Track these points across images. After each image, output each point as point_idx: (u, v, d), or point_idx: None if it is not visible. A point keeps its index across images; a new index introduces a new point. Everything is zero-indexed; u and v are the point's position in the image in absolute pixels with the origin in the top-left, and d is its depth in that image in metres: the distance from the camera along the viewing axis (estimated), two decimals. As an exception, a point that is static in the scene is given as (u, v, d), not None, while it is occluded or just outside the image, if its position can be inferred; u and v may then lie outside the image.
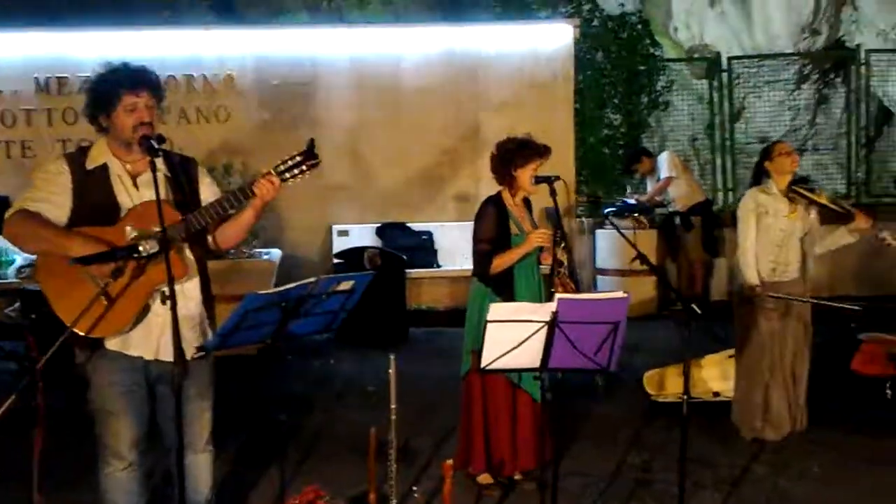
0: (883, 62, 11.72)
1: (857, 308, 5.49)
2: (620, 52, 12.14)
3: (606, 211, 9.54)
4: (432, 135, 9.81)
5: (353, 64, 9.77)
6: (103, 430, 3.50)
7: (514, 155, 4.73)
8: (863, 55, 11.43)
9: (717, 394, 6.06)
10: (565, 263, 4.51)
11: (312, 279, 3.30)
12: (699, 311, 3.93)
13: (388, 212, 9.72)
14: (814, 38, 13.08)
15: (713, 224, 9.92)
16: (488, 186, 5.12)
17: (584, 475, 4.99)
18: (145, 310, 3.38)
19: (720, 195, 11.34)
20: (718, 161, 11.48)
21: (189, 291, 3.49)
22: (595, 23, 12.12)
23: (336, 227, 9.63)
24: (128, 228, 3.33)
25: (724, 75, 11.49)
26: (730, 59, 11.59)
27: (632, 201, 10.01)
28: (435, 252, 9.65)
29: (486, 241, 4.67)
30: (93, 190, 3.39)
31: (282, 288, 3.21)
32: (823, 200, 5.63)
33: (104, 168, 3.42)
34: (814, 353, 5.68)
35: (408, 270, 8.87)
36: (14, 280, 7.90)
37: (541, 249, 4.64)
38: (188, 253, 3.50)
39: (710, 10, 13.05)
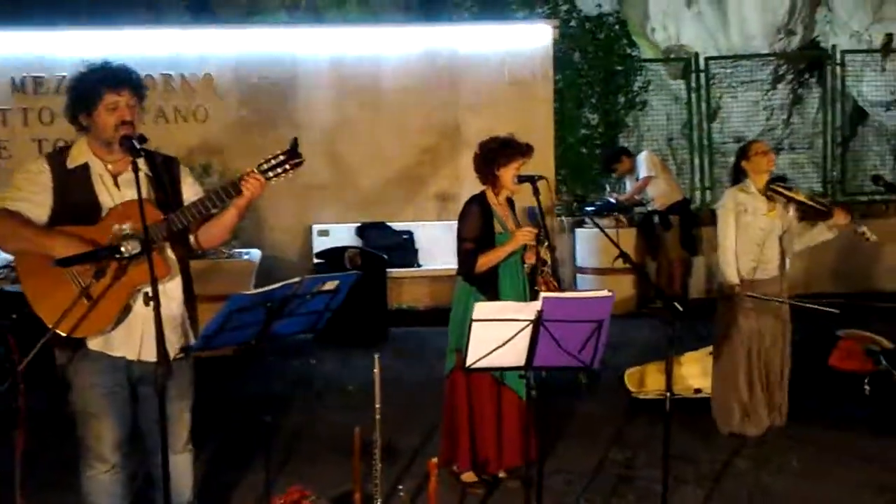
0: (857, 62, 11.85)
1: (835, 311, 5.54)
2: (598, 53, 12.18)
3: (588, 210, 9.59)
4: (412, 134, 9.82)
5: (333, 64, 9.75)
6: (85, 432, 3.47)
7: (497, 154, 4.74)
8: (838, 56, 11.52)
9: (698, 390, 6.09)
10: (549, 262, 4.53)
11: (297, 279, 3.29)
12: (681, 309, 3.94)
13: (369, 211, 9.71)
14: (789, 39, 13.21)
15: (692, 223, 9.98)
16: (468, 186, 5.14)
17: (567, 472, 5.02)
18: (126, 310, 3.36)
19: (698, 194, 11.41)
20: (696, 160, 11.54)
21: (171, 291, 3.46)
22: (572, 23, 12.17)
23: (316, 227, 9.62)
24: (116, 226, 3.30)
25: (701, 75, 11.54)
26: (707, 59, 11.66)
27: (612, 200, 10.06)
28: (415, 251, 9.66)
29: (470, 239, 4.68)
30: (74, 189, 3.36)
31: (267, 288, 3.20)
32: (801, 198, 5.69)
33: (85, 167, 3.40)
34: (792, 349, 5.73)
35: (388, 270, 8.87)
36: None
37: (525, 248, 4.65)
38: (170, 253, 3.47)
39: (686, 10, 13.16)
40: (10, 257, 7.42)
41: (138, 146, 3.24)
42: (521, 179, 4.67)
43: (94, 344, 3.36)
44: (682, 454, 5.11)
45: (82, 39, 9.07)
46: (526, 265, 4.76)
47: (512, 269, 4.71)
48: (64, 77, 8.98)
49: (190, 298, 3.59)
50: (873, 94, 12.35)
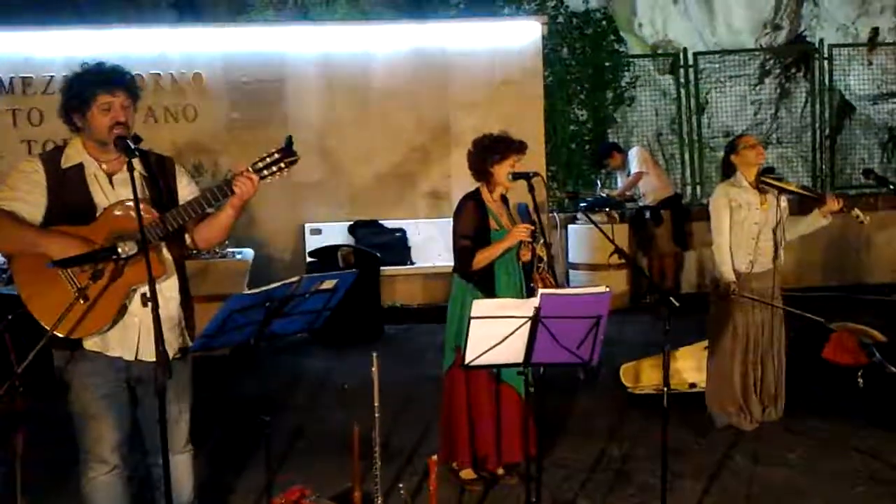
0: (844, 56, 11.90)
1: (831, 328, 5.58)
2: (585, 49, 12.23)
3: (581, 205, 9.62)
4: (403, 132, 9.80)
5: (322, 62, 9.72)
6: (84, 434, 3.45)
7: (491, 151, 4.74)
8: (825, 49, 11.57)
9: (693, 385, 6.12)
10: (545, 259, 4.53)
11: (296, 278, 3.29)
12: (677, 304, 3.96)
13: (360, 210, 9.70)
14: (775, 34, 13.27)
15: (683, 218, 10.02)
16: (460, 183, 5.14)
17: (565, 468, 5.04)
18: (122, 310, 3.35)
19: (688, 189, 11.44)
20: (686, 155, 11.57)
21: (167, 291, 3.45)
22: (560, 19, 12.20)
23: (308, 226, 9.60)
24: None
25: (690, 70, 11.57)
26: (695, 54, 11.69)
27: (603, 195, 10.09)
28: (408, 249, 9.66)
29: (466, 236, 4.67)
30: (68, 189, 3.35)
31: (266, 287, 3.20)
32: (793, 187, 5.72)
33: (79, 167, 3.38)
34: (785, 343, 5.77)
35: (381, 268, 8.87)
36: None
37: (520, 245, 4.65)
38: (165, 253, 3.46)
39: (673, 6, 13.20)
40: (1, 260, 7.41)
41: (133, 146, 3.24)
42: (516, 176, 4.67)
43: (90, 344, 3.35)
44: (679, 448, 5.14)
45: (70, 39, 9.01)
46: (521, 262, 4.77)
47: (508, 266, 4.72)
48: (52, 77, 8.98)
49: (186, 299, 3.58)
50: (860, 88, 12.40)
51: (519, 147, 4.78)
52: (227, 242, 7.83)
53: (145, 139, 3.39)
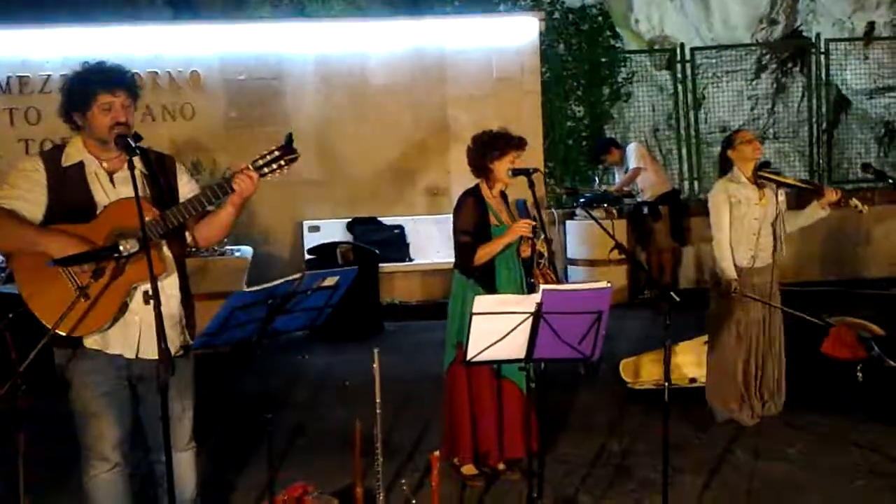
0: (840, 51, 11.90)
1: (830, 322, 5.59)
2: (582, 45, 12.23)
3: (581, 201, 9.63)
4: (401, 130, 9.81)
5: (319, 59, 9.73)
6: (85, 431, 3.45)
7: (490, 148, 4.75)
8: (822, 44, 11.57)
9: (693, 380, 6.13)
10: (545, 254, 4.54)
11: (298, 275, 3.29)
12: (678, 300, 3.96)
13: (359, 207, 9.71)
14: (771, 29, 13.28)
15: (681, 213, 10.03)
16: (458, 180, 5.15)
17: (566, 463, 5.05)
18: (123, 308, 3.35)
19: (685, 184, 11.45)
20: (684, 151, 11.57)
21: (168, 289, 3.45)
22: (556, 15, 12.19)
23: (307, 223, 9.61)
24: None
25: (687, 66, 11.56)
26: (692, 49, 11.68)
27: (601, 191, 10.10)
28: (407, 246, 9.66)
29: (467, 232, 4.68)
30: (69, 187, 3.35)
31: (268, 285, 3.20)
32: (791, 181, 5.74)
33: (80, 165, 3.38)
34: (785, 337, 5.78)
35: (380, 265, 8.88)
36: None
37: (520, 241, 4.66)
38: (166, 250, 3.46)
39: (669, 1, 13.19)
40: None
41: (134, 144, 3.24)
42: (516, 172, 4.67)
43: (90, 342, 3.35)
44: (679, 443, 5.14)
45: (67, 38, 9.03)
46: (521, 258, 4.77)
47: (508, 262, 4.72)
48: (49, 76, 8.97)
49: (187, 297, 3.58)
50: (856, 82, 12.42)
51: (518, 143, 4.78)
52: (225, 240, 7.83)
53: (144, 138, 3.39)
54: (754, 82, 13.03)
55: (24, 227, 3.28)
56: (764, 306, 5.55)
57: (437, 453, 3.78)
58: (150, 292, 3.02)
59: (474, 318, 3.47)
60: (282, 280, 3.23)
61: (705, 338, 6.00)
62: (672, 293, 3.99)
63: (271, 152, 3.45)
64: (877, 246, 10.43)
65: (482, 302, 3.50)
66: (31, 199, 3.32)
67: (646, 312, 8.66)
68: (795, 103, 12.81)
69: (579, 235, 9.64)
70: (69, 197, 3.34)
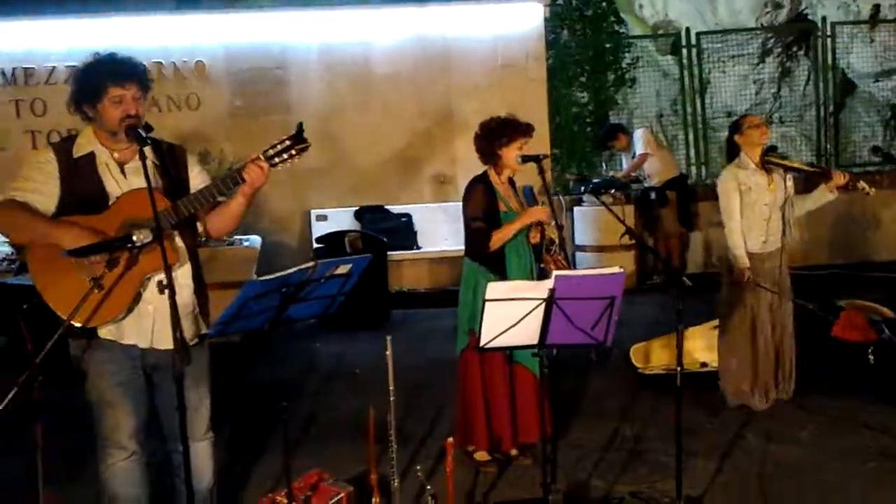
0: (845, 34, 11.85)
1: (840, 306, 5.58)
2: (586, 31, 12.19)
3: (590, 186, 9.63)
4: (406, 118, 9.81)
5: (323, 48, 9.73)
6: (102, 421, 3.47)
7: (498, 134, 4.74)
8: (827, 27, 11.52)
9: (704, 364, 6.12)
10: (556, 241, 4.54)
11: (311, 263, 3.30)
12: (690, 284, 3.96)
13: (365, 195, 9.71)
14: (776, 12, 13.24)
15: (688, 198, 10.01)
16: (464, 168, 5.14)
17: (579, 448, 5.06)
18: (137, 298, 3.36)
19: (692, 170, 11.42)
20: (690, 136, 11.54)
21: (181, 279, 3.45)
22: (560, 1, 12.14)
23: (315, 212, 9.62)
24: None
25: (693, 51, 11.51)
26: (698, 34, 11.63)
27: (609, 177, 10.10)
28: (414, 234, 9.67)
29: (480, 218, 4.67)
30: (80, 178, 3.35)
31: (282, 273, 3.21)
32: (798, 165, 5.72)
33: (91, 156, 3.39)
34: (795, 321, 5.78)
35: (388, 253, 8.89)
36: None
37: (530, 227, 4.66)
38: (178, 241, 3.47)
39: (673, -14, 13.17)
40: (7, 251, 7.42)
41: (144, 135, 3.24)
42: (526, 159, 4.67)
43: (104, 333, 3.36)
44: (691, 428, 5.14)
45: (72, 29, 9.04)
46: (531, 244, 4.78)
47: (518, 248, 4.72)
48: (55, 67, 8.97)
49: (200, 286, 3.59)
50: (862, 66, 12.37)
51: (526, 129, 4.78)
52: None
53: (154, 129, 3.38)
54: (759, 66, 12.99)
55: (37, 219, 3.29)
56: (774, 289, 5.54)
57: (451, 440, 3.79)
58: (165, 282, 3.02)
59: (487, 304, 3.47)
60: (295, 268, 3.23)
61: (715, 322, 6.00)
62: (684, 278, 3.99)
63: (282, 142, 3.44)
64: (885, 229, 10.41)
65: (495, 288, 3.51)
66: (45, 191, 3.33)
67: (654, 298, 8.64)
68: (801, 87, 12.78)
69: (587, 222, 9.64)
70: (81, 188, 3.35)
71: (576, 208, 9.85)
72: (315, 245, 9.00)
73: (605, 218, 9.19)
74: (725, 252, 5.66)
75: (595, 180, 9.98)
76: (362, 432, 4.12)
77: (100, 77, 3.33)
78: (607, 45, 12.18)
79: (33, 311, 3.67)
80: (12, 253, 7.25)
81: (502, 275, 4.60)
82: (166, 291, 3.02)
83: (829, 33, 11.44)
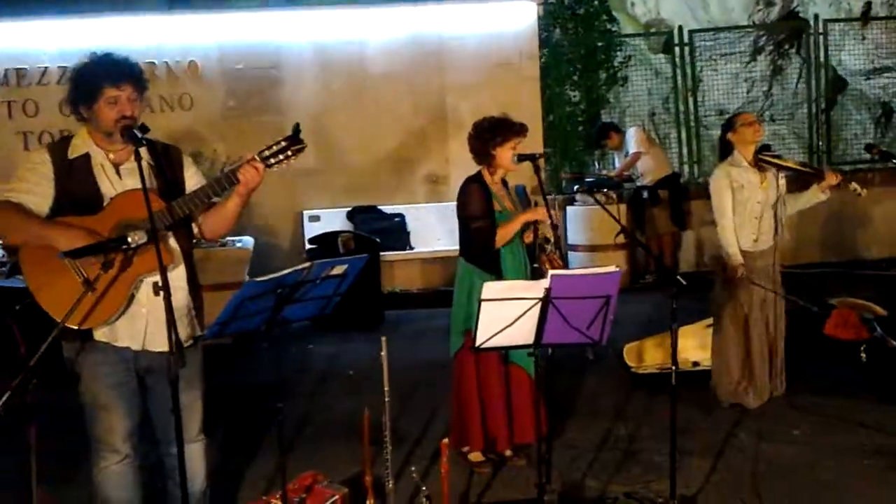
0: (837, 31, 11.87)
1: (824, 313, 5.61)
2: (578, 29, 12.18)
3: (586, 184, 9.63)
4: (400, 118, 9.80)
5: (317, 47, 9.72)
6: (95, 424, 3.46)
7: (492, 134, 4.74)
8: (819, 25, 11.53)
9: (696, 363, 6.13)
10: (551, 240, 4.54)
11: (307, 264, 3.30)
12: (685, 283, 3.98)
13: (359, 196, 9.70)
14: (768, 10, 13.27)
15: (681, 197, 10.03)
16: (458, 168, 5.13)
17: (573, 448, 5.06)
18: (129, 300, 3.35)
19: (685, 168, 11.43)
20: (682, 134, 11.55)
21: (174, 281, 3.42)
22: (552, -1, 12.15)
23: (307, 213, 9.60)
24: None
25: (685, 48, 11.52)
26: (691, 32, 11.64)
27: (603, 175, 10.11)
28: (407, 234, 9.66)
29: (481, 217, 4.66)
30: (75, 179, 3.35)
31: (278, 274, 3.21)
32: (791, 164, 5.74)
33: (86, 157, 3.38)
34: (787, 319, 5.80)
35: (381, 253, 8.88)
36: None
37: (525, 227, 4.66)
38: (172, 242, 3.46)
39: (665, -16, 13.18)
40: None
41: (140, 136, 3.23)
42: (521, 158, 4.66)
43: (99, 335, 3.36)
44: (684, 427, 5.12)
45: (64, 30, 9.00)
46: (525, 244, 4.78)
47: (513, 248, 4.72)
48: (47, 68, 8.94)
49: (195, 288, 3.58)
50: (853, 63, 12.40)
51: (520, 129, 4.78)
52: (226, 231, 7.83)
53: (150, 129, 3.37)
54: (751, 64, 13.00)
55: (31, 221, 3.28)
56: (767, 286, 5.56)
57: (446, 441, 3.79)
58: (160, 284, 3.01)
59: (483, 304, 3.47)
60: (291, 269, 3.23)
61: (708, 321, 6.02)
62: (679, 277, 4.01)
63: (278, 143, 3.45)
64: (877, 227, 10.45)
65: (491, 288, 3.50)
66: (39, 192, 3.33)
67: (647, 297, 8.66)
68: (792, 85, 12.79)
69: (580, 221, 9.64)
70: (76, 189, 3.34)
71: (568, 208, 9.86)
72: (308, 246, 8.97)
73: (598, 217, 9.22)
74: (717, 251, 5.68)
75: (588, 179, 9.98)
76: (356, 433, 4.12)
77: (95, 78, 3.32)
78: (599, 44, 12.18)
79: (25, 313, 3.67)
80: (3, 255, 7.21)
81: (497, 275, 4.60)
82: (160, 293, 3.01)
83: (820, 31, 11.45)
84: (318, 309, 3.55)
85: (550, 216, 4.44)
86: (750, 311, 5.55)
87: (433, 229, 9.52)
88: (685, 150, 11.46)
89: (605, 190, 9.54)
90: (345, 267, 3.42)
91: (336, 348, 7.63)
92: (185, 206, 3.34)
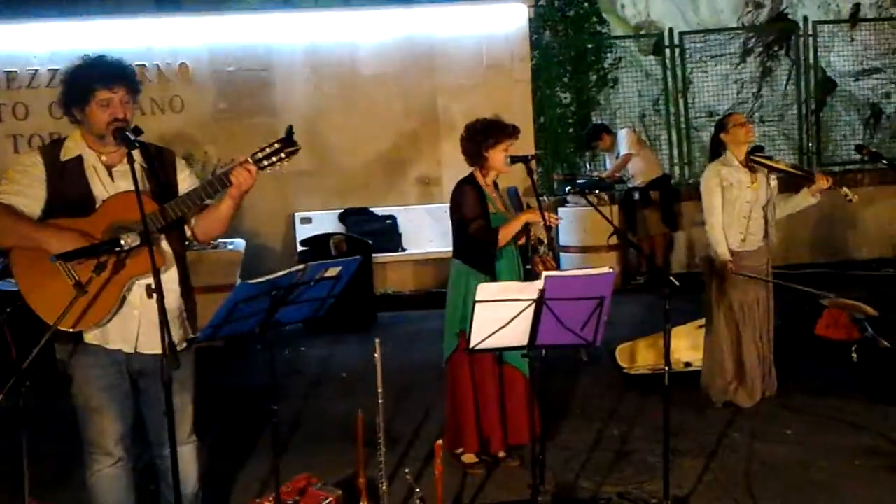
0: (826, 33, 11.92)
1: (824, 304, 5.62)
2: (568, 31, 12.21)
3: (579, 184, 9.65)
4: (391, 120, 9.80)
5: (308, 49, 9.71)
6: (88, 427, 3.45)
7: (485, 136, 4.74)
8: (808, 26, 11.58)
9: (688, 364, 6.14)
10: (545, 241, 4.54)
11: (301, 266, 3.29)
12: (678, 284, 4.00)
13: (350, 197, 9.69)
14: (757, 12, 13.31)
15: (672, 198, 10.05)
16: (450, 170, 5.13)
17: (566, 449, 5.07)
18: (121, 302, 3.33)
19: (676, 170, 11.46)
20: (673, 136, 11.58)
21: (167, 283, 3.40)
22: (542, 2, 12.16)
23: (299, 215, 9.59)
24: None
25: (675, 50, 11.55)
26: (681, 34, 11.68)
27: (594, 178, 10.13)
28: (399, 236, 9.65)
29: (479, 217, 4.65)
30: (67, 181, 3.33)
31: (272, 276, 3.20)
32: (783, 166, 5.76)
33: (78, 160, 3.37)
34: (779, 319, 5.82)
35: (373, 255, 8.87)
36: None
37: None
38: (164, 245, 3.45)
39: (655, -14, 13.22)
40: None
41: (133, 138, 3.22)
42: (514, 160, 4.67)
43: (90, 337, 3.35)
44: (677, 427, 5.13)
45: (54, 32, 8.97)
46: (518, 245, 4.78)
47: (507, 250, 4.72)
48: (37, 71, 8.90)
49: (187, 291, 3.57)
50: (842, 64, 12.45)
51: (513, 131, 4.79)
52: (217, 234, 7.82)
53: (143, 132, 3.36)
54: (740, 66, 13.05)
55: (22, 223, 3.27)
56: (758, 288, 5.58)
57: (440, 442, 3.79)
58: (153, 286, 3.01)
59: (477, 305, 3.47)
60: (285, 271, 3.23)
61: (700, 322, 6.04)
62: (671, 278, 4.03)
63: (271, 145, 3.43)
64: (867, 228, 10.49)
65: (485, 290, 3.50)
66: (30, 194, 3.31)
67: (639, 298, 8.68)
68: (781, 86, 12.84)
69: (571, 222, 9.65)
70: (68, 191, 3.33)
71: (560, 209, 9.87)
72: (299, 248, 8.97)
73: (589, 218, 9.23)
74: (708, 252, 5.70)
75: (580, 180, 10.00)
76: (350, 435, 4.11)
77: (88, 80, 3.31)
78: (589, 46, 12.22)
79: (16, 316, 3.65)
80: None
81: (492, 276, 4.60)
82: (153, 296, 3.00)
83: (809, 32, 11.49)
84: (312, 311, 3.55)
85: (543, 217, 4.45)
86: (742, 310, 5.57)
87: (425, 231, 9.52)
88: (675, 152, 11.48)
89: (597, 191, 9.56)
90: (339, 269, 3.41)
91: (328, 350, 7.62)
92: (177, 209, 3.33)
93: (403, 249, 9.63)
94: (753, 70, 13.06)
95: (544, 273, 3.47)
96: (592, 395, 6.08)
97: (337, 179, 9.73)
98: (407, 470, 4.37)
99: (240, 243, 8.19)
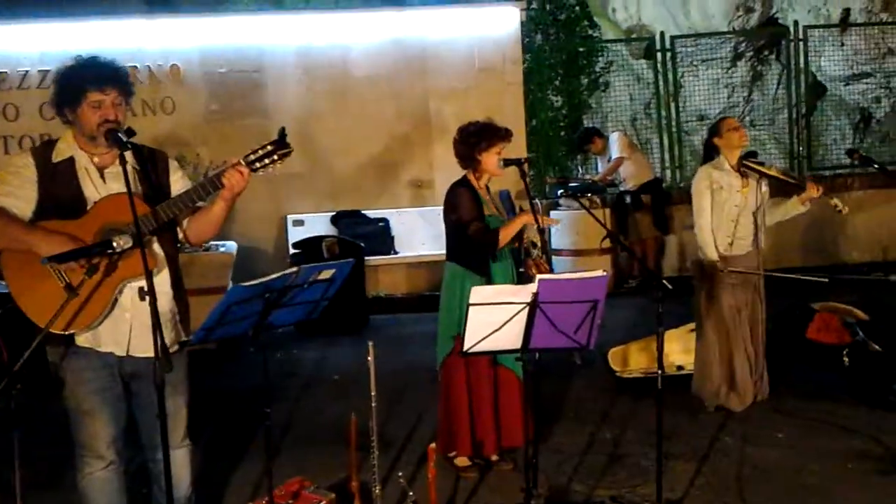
0: (816, 37, 11.96)
1: (824, 279, 5.62)
2: (559, 34, 12.23)
3: (571, 187, 9.66)
4: (383, 122, 9.80)
5: (300, 51, 9.69)
6: (80, 429, 3.43)
7: (477, 139, 4.74)
8: (799, 31, 11.62)
9: (680, 367, 6.15)
10: (539, 244, 4.55)
11: (294, 269, 3.28)
12: (670, 287, 4.00)
13: (342, 200, 9.68)
14: (747, 16, 13.37)
15: (663, 202, 10.07)
16: (441, 172, 5.12)
17: (559, 453, 5.07)
18: (113, 305, 3.32)
19: (667, 173, 11.48)
20: (664, 140, 11.59)
21: (159, 286, 3.38)
22: (533, 5, 12.18)
23: (291, 217, 9.57)
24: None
25: (667, 54, 11.57)
26: (672, 38, 11.70)
27: (587, 181, 10.14)
28: (391, 239, 9.64)
29: (476, 219, 4.64)
30: (59, 183, 3.32)
31: (265, 279, 3.19)
32: (775, 173, 5.77)
33: (70, 161, 3.36)
34: (770, 323, 5.83)
35: (365, 258, 8.86)
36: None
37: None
38: (156, 247, 3.43)
39: (646, -10, 13.26)
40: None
41: (125, 139, 3.20)
42: (508, 163, 4.67)
43: (81, 340, 3.33)
44: (669, 431, 5.14)
45: (44, 33, 8.93)
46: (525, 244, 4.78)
47: (504, 252, 4.72)
48: (27, 72, 8.86)
49: (179, 293, 3.55)
50: (832, 69, 12.50)
51: (505, 135, 4.79)
52: (208, 236, 7.80)
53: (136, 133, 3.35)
54: (731, 70, 13.09)
55: (13, 225, 3.25)
56: (748, 291, 5.60)
57: (433, 445, 3.79)
58: (145, 289, 2.99)
59: (471, 308, 3.46)
60: (279, 274, 3.22)
61: (691, 325, 6.04)
62: (664, 281, 4.03)
63: (264, 147, 3.42)
64: (858, 232, 10.53)
65: (478, 293, 3.50)
66: (21, 195, 3.30)
67: (631, 301, 8.70)
68: (772, 91, 12.89)
69: (563, 225, 9.64)
70: (59, 193, 3.31)
71: (552, 212, 9.87)
72: (291, 250, 8.95)
73: (581, 222, 9.24)
74: (697, 255, 5.71)
75: (573, 184, 10.01)
76: (343, 438, 4.11)
77: (79, 80, 3.30)
78: (581, 49, 12.23)
79: (6, 318, 3.63)
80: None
81: (487, 278, 4.60)
82: (146, 298, 2.99)
83: (800, 37, 11.52)
84: (305, 313, 3.54)
85: (537, 221, 4.45)
86: (732, 313, 5.58)
87: (417, 234, 9.51)
88: (667, 156, 11.49)
89: (589, 195, 9.56)
90: (332, 271, 3.41)
91: (321, 353, 7.60)
92: (169, 211, 3.32)
93: (396, 252, 9.63)
94: (744, 74, 13.11)
95: (538, 276, 3.47)
96: (585, 398, 6.09)
97: (329, 182, 9.71)
98: (400, 473, 4.36)
99: (232, 246, 8.17)
